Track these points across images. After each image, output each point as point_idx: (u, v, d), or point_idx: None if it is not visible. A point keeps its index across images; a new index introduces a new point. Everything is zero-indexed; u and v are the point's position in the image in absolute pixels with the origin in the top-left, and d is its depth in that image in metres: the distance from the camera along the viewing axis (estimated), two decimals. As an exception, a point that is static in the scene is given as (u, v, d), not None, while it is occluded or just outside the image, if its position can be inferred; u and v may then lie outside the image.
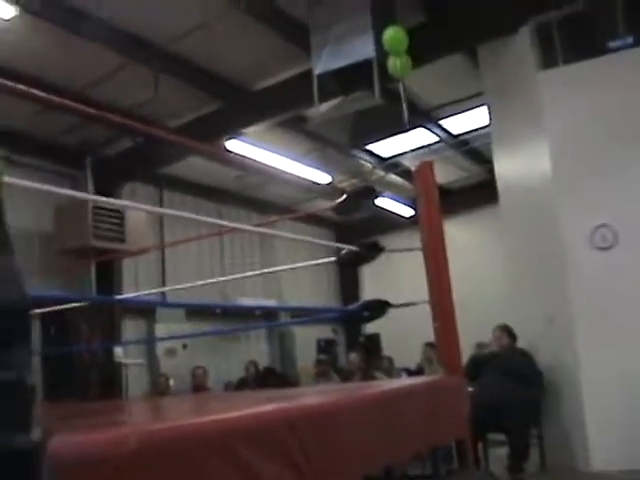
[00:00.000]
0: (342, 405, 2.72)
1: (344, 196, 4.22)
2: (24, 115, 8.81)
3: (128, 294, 9.71)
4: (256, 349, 13.63)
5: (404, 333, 11.74)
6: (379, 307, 4.21)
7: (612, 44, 7.53)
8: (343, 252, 4.48)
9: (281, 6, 7.87)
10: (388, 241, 9.14)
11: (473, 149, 12.64)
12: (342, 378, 10.11)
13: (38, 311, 5.29)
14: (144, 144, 10.09)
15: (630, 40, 7.41)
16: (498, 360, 7.73)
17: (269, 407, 2.36)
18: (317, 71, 7.67)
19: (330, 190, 12.26)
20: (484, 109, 9.25)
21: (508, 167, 8.62)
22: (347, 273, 16.44)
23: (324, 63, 7.60)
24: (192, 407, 4.28)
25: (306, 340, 14.37)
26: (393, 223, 14.45)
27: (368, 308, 4.26)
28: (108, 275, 10.33)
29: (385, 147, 12.01)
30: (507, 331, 7.88)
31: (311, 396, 3.60)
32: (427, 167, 4.45)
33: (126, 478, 1.57)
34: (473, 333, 9.60)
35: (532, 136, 8.00)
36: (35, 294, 2.96)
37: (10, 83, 3.21)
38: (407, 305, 4.26)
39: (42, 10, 6.96)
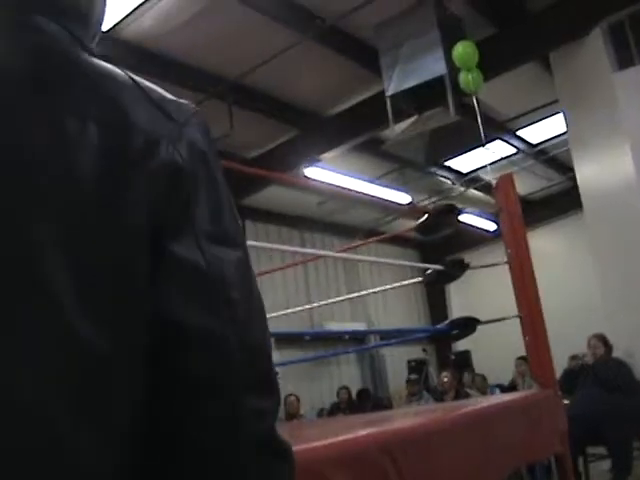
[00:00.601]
0: (438, 426, 2.70)
1: (426, 216, 4.20)
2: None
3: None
4: (347, 373, 13.63)
5: (494, 349, 11.60)
6: (468, 324, 4.17)
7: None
8: (428, 272, 4.45)
9: (349, 30, 7.92)
10: (473, 257, 9.06)
11: (552, 157, 12.47)
12: (435, 398, 10.03)
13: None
14: (225, 177, 10.23)
15: None
16: (594, 371, 7.55)
17: (363, 432, 2.35)
18: (389, 92, 7.69)
19: (411, 210, 12.22)
20: (561, 116, 9.11)
21: (590, 173, 8.45)
22: (434, 291, 16.34)
23: (396, 83, 7.62)
24: (287, 435, 4.28)
25: (397, 361, 14.30)
26: (477, 238, 14.32)
27: (457, 326, 4.22)
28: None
29: (463, 162, 11.93)
30: (603, 340, 7.68)
31: (405, 418, 3.58)
32: (507, 180, 4.40)
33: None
34: (564, 345, 9.47)
35: (612, 139, 7.85)
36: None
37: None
38: (496, 321, 4.21)
39: (116, 53, 7.15)
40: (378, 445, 2.19)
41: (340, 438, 2.18)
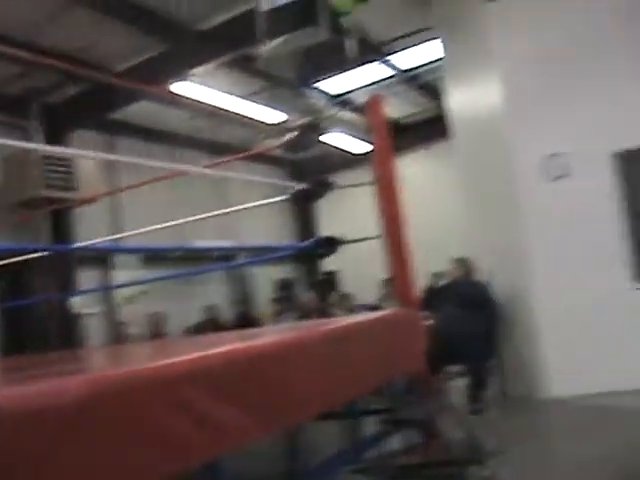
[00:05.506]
0: (295, 342, 2.69)
1: (291, 134, 4.16)
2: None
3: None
4: (216, 292, 13.56)
5: (363, 270, 11.77)
6: (330, 243, 4.18)
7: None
8: (293, 190, 4.43)
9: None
10: (343, 178, 9.08)
11: (427, 83, 12.54)
12: (300, 317, 10.14)
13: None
14: (91, 90, 9.87)
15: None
16: (452, 290, 7.85)
17: (220, 349, 2.32)
18: (262, 8, 7.52)
19: (282, 129, 12.10)
20: (438, 42, 9.10)
21: (461, 100, 8.54)
22: (304, 213, 16.41)
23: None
24: (141, 353, 4.24)
25: (266, 281, 14.34)
26: (348, 160, 14.38)
27: (321, 245, 4.22)
28: (62, 225, 10.18)
29: (337, 84, 11.86)
30: (461, 263, 7.96)
31: (264, 335, 3.57)
32: (377, 100, 4.40)
33: (70, 425, 1.52)
34: (434, 267, 9.82)
35: (484, 68, 7.98)
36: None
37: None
38: (359, 241, 4.23)
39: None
40: (236, 361, 2.17)
41: (194, 355, 2.14)
